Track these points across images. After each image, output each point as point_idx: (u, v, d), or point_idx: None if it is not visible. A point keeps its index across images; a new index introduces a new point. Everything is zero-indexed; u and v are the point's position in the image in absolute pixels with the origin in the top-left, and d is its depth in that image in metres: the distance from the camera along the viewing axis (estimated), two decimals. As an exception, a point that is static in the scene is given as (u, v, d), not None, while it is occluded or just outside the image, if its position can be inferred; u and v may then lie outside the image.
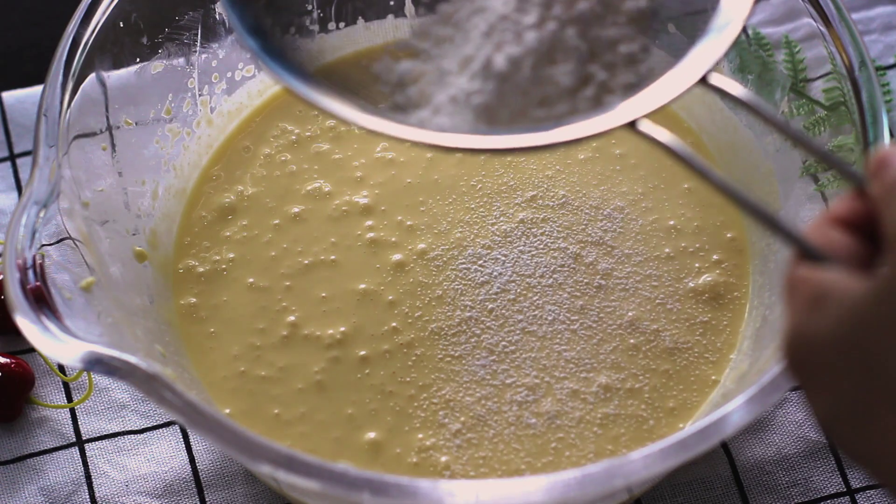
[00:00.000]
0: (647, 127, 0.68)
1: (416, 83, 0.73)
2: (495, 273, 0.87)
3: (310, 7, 0.89)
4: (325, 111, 0.71)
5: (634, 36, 0.73)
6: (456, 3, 0.74)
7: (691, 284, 0.87)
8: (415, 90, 0.73)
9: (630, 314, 0.86)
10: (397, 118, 0.71)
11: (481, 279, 0.87)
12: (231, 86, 0.93)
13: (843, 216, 0.62)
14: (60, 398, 0.89)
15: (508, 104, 0.71)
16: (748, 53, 0.89)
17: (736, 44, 0.70)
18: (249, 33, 0.72)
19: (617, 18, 0.73)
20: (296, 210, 0.90)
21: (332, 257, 0.88)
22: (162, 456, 0.87)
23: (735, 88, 0.69)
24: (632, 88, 0.71)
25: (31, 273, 0.75)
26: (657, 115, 0.69)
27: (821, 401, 0.59)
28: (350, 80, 0.74)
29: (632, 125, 0.68)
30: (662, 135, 0.67)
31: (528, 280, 0.87)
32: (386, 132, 0.70)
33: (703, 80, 0.70)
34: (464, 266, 0.87)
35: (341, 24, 0.93)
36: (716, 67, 0.70)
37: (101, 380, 0.89)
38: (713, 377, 0.84)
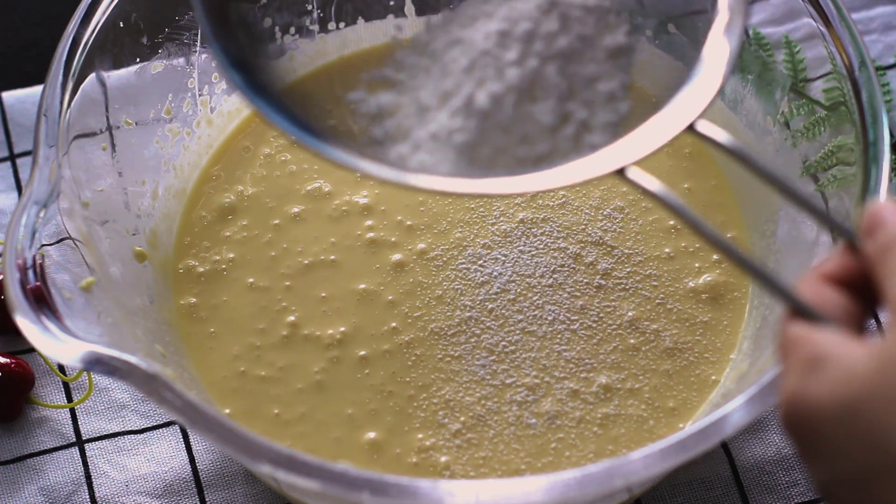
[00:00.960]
0: (635, 174, 0.68)
1: (394, 116, 0.73)
2: (495, 273, 0.87)
3: (310, 7, 0.89)
4: (308, 149, 0.70)
5: (613, 73, 0.72)
6: (432, 33, 0.74)
7: (691, 284, 0.87)
8: (392, 123, 0.72)
9: (630, 314, 0.86)
10: (378, 155, 0.71)
11: (481, 279, 0.87)
12: (231, 86, 0.92)
13: (835, 273, 0.62)
14: (60, 398, 0.89)
15: (490, 142, 0.70)
16: (748, 53, 0.89)
17: (723, 86, 0.70)
18: (233, 66, 0.71)
19: (595, 55, 0.72)
20: (296, 210, 0.90)
21: (332, 257, 0.88)
22: (162, 456, 0.87)
23: (722, 137, 0.68)
24: (611, 127, 0.71)
25: (31, 273, 0.75)
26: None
27: (819, 465, 0.58)
28: (323, 110, 0.74)
29: (620, 172, 0.68)
30: (652, 183, 0.67)
31: (528, 280, 0.87)
32: (376, 175, 0.69)
33: (691, 128, 0.69)
34: (464, 266, 0.87)
35: (341, 25, 0.93)
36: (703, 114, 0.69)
37: (101, 380, 0.89)
38: (713, 377, 0.84)
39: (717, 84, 0.71)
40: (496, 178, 0.69)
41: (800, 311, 0.61)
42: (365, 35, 0.94)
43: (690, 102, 0.70)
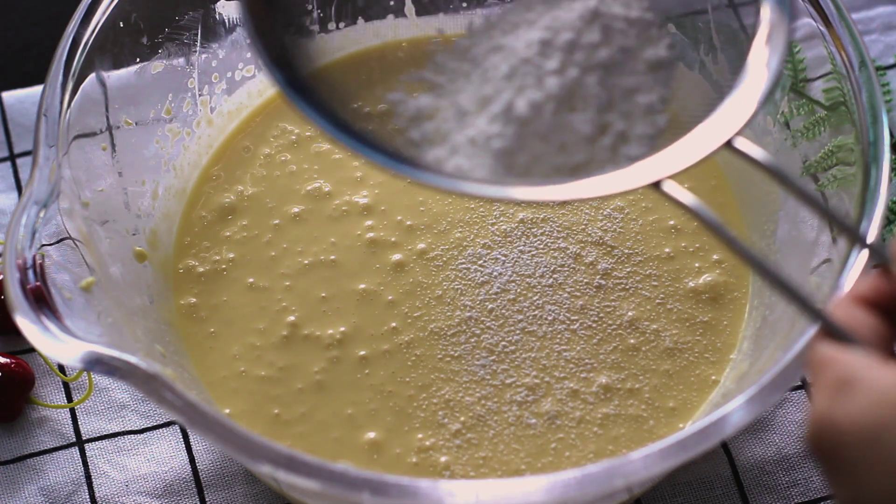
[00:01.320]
0: (671, 188, 0.68)
1: (432, 119, 0.73)
2: (495, 273, 0.87)
3: (310, 7, 0.89)
4: (347, 150, 0.70)
5: (653, 86, 0.73)
6: (474, 38, 0.74)
7: (691, 284, 0.87)
8: (430, 126, 0.73)
9: (630, 314, 0.86)
10: (414, 157, 0.71)
11: (481, 279, 0.87)
12: (231, 86, 0.93)
13: (867, 296, 0.62)
14: (60, 398, 0.89)
15: (528, 149, 0.71)
16: (748, 53, 0.89)
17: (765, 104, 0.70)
18: (277, 66, 0.71)
19: (636, 67, 0.72)
20: (296, 210, 0.90)
21: (332, 257, 0.88)
22: (162, 456, 0.87)
23: (759, 154, 0.69)
24: (648, 139, 0.71)
25: (31, 273, 0.75)
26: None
27: (843, 487, 0.58)
28: (362, 111, 0.74)
29: (656, 185, 0.68)
30: (687, 197, 0.68)
31: (527, 280, 0.87)
32: (413, 178, 0.70)
33: (728, 144, 0.69)
34: (463, 266, 0.87)
35: (341, 24, 0.93)
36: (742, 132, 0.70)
37: (101, 380, 0.89)
38: (713, 377, 0.84)
39: (756, 102, 0.70)
40: (532, 185, 0.69)
41: (831, 332, 0.61)
42: (365, 35, 0.94)
43: (729, 119, 0.70)
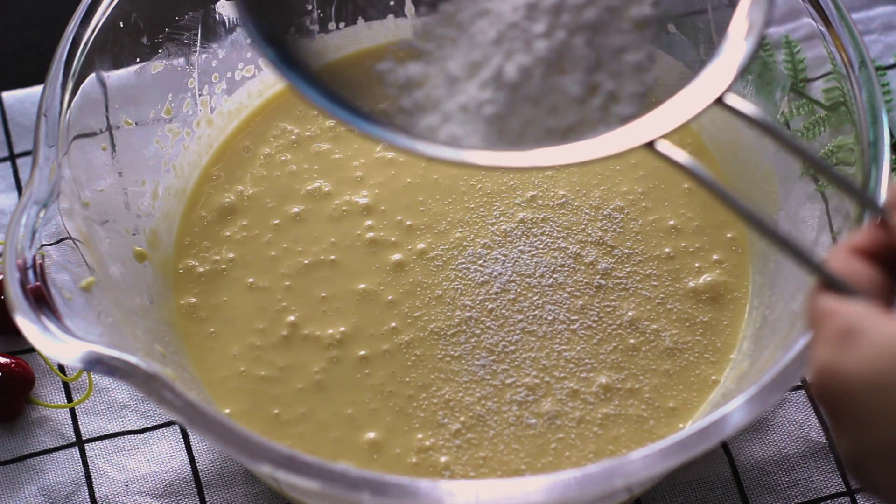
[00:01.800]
0: (665, 147, 0.68)
1: (423, 87, 0.73)
2: (495, 273, 0.87)
3: (310, 7, 0.89)
4: (336, 119, 0.70)
5: (640, 44, 0.73)
6: (458, 2, 0.74)
7: (691, 284, 0.87)
8: (421, 94, 0.73)
9: (630, 314, 0.86)
10: (407, 126, 0.71)
11: (481, 279, 0.87)
12: (231, 86, 0.93)
13: (864, 246, 0.62)
14: (60, 398, 0.89)
15: (519, 114, 0.71)
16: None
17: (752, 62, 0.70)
18: (266, 42, 0.72)
19: (622, 26, 0.73)
20: (296, 210, 0.90)
21: (332, 257, 0.88)
22: (162, 456, 0.87)
23: (750, 109, 0.69)
24: (639, 98, 0.71)
25: (31, 273, 0.75)
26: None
27: (848, 436, 0.59)
28: (355, 82, 0.74)
29: (649, 145, 0.68)
30: (680, 156, 0.68)
31: (527, 280, 0.87)
32: (406, 147, 0.70)
33: (719, 100, 0.69)
34: (463, 266, 0.87)
35: (341, 24, 0.93)
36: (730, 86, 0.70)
37: (101, 380, 0.89)
38: (713, 377, 0.84)
39: (744, 56, 0.70)
40: (526, 150, 0.69)
41: (829, 283, 0.62)
42: (365, 35, 0.94)
43: (718, 75, 0.70)
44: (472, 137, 0.70)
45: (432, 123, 0.71)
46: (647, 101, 0.71)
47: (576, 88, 0.71)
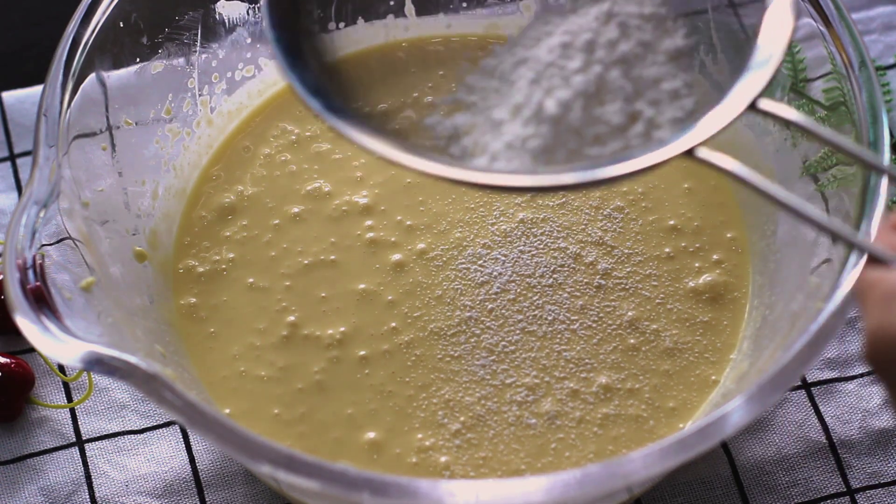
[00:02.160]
0: (705, 153, 0.70)
1: (470, 134, 0.75)
2: (495, 273, 0.87)
3: (310, 7, 0.89)
4: (390, 160, 0.72)
5: (676, 73, 0.75)
6: (498, 56, 0.76)
7: (691, 284, 0.87)
8: (469, 140, 0.75)
9: (630, 314, 0.86)
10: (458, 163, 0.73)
11: (481, 279, 0.87)
12: (231, 86, 0.93)
13: None
14: (60, 398, 0.89)
15: (564, 144, 0.73)
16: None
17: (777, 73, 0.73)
18: (312, 95, 0.73)
19: (657, 58, 0.74)
20: (296, 210, 0.90)
21: (332, 257, 0.88)
22: (162, 456, 0.87)
23: (785, 111, 0.71)
24: (678, 122, 0.73)
25: (31, 273, 0.75)
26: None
27: None
28: (402, 133, 0.76)
29: (689, 153, 0.70)
30: (724, 160, 0.70)
31: (527, 280, 0.87)
32: (457, 178, 0.71)
33: (753, 106, 0.71)
34: (463, 266, 0.87)
35: (341, 24, 0.93)
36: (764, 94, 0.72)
37: (101, 380, 0.89)
38: (713, 377, 0.84)
39: (775, 60, 0.72)
40: (577, 170, 0.71)
41: (873, 259, 0.66)
42: (365, 35, 0.94)
43: (751, 82, 0.72)
44: (520, 172, 0.73)
45: (480, 165, 0.73)
46: (688, 124, 0.72)
47: (616, 117, 0.73)
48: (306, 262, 0.88)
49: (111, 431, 0.88)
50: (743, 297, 0.87)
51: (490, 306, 0.86)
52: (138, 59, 0.87)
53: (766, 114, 0.71)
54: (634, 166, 0.71)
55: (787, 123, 0.71)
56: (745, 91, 0.72)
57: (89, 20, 0.83)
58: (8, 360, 0.87)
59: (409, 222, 0.89)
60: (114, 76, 0.85)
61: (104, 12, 0.83)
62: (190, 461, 0.87)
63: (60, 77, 0.81)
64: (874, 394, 0.88)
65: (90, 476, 0.87)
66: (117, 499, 0.86)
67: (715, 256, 0.88)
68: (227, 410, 0.83)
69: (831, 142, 0.71)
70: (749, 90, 0.72)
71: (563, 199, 0.89)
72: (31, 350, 0.90)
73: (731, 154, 0.90)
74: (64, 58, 0.82)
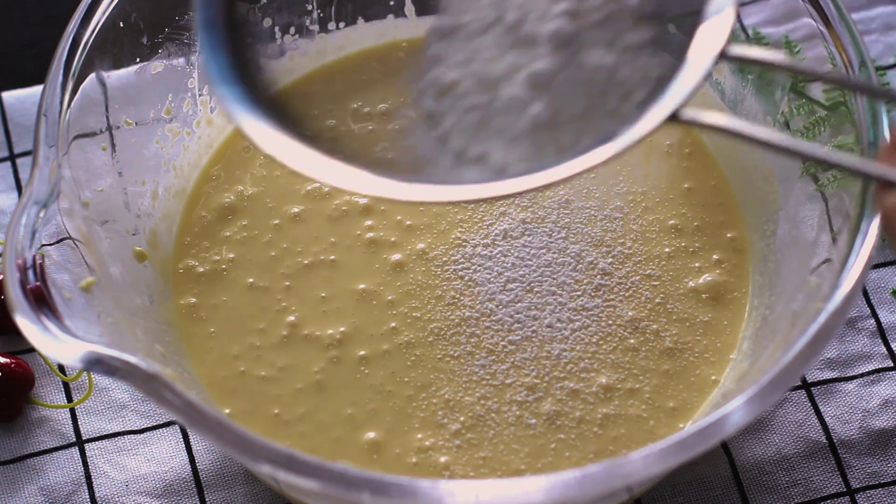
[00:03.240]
0: (691, 113, 0.70)
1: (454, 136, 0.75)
2: (495, 273, 0.87)
3: (310, 7, 0.89)
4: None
5: (642, 35, 0.74)
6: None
7: (691, 284, 0.87)
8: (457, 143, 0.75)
9: (630, 314, 0.86)
10: (457, 172, 0.73)
11: (481, 279, 0.87)
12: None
13: None
14: (60, 398, 0.89)
15: (559, 112, 0.72)
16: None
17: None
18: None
19: (621, 25, 0.74)
20: (296, 210, 0.90)
21: (332, 257, 0.88)
22: (162, 456, 0.87)
23: (756, 53, 0.70)
24: (652, 91, 0.72)
25: (31, 273, 0.75)
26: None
27: None
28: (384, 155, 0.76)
29: (674, 118, 0.70)
30: (711, 117, 0.69)
31: (528, 280, 0.86)
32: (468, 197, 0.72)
33: (723, 54, 0.71)
34: (463, 266, 0.87)
35: (341, 24, 0.93)
36: (718, 60, 0.71)
37: (101, 380, 0.89)
38: (713, 377, 0.84)
39: (730, 21, 0.72)
40: (566, 160, 0.71)
41: (885, 183, 0.67)
42: (365, 35, 0.94)
43: (714, 30, 0.72)
44: (518, 161, 0.72)
45: (478, 151, 0.73)
46: (661, 89, 0.71)
47: (603, 63, 0.72)
48: (306, 262, 0.88)
49: (111, 431, 0.88)
50: (743, 297, 0.87)
51: (490, 306, 0.86)
52: (138, 59, 0.87)
53: (737, 59, 0.71)
54: (624, 143, 0.70)
55: (761, 64, 0.71)
56: (710, 40, 0.71)
57: (89, 20, 0.83)
58: (8, 360, 0.87)
59: (408, 222, 0.89)
60: (114, 76, 0.85)
61: (104, 12, 0.83)
62: (190, 461, 0.87)
63: (60, 77, 0.81)
64: (874, 394, 0.88)
65: (90, 476, 0.87)
66: (117, 499, 0.86)
67: (715, 256, 0.88)
68: (227, 410, 0.83)
69: (807, 71, 0.70)
70: (715, 38, 0.71)
71: (564, 199, 0.89)
72: (31, 350, 0.90)
73: (731, 153, 0.91)
74: (64, 58, 0.82)
